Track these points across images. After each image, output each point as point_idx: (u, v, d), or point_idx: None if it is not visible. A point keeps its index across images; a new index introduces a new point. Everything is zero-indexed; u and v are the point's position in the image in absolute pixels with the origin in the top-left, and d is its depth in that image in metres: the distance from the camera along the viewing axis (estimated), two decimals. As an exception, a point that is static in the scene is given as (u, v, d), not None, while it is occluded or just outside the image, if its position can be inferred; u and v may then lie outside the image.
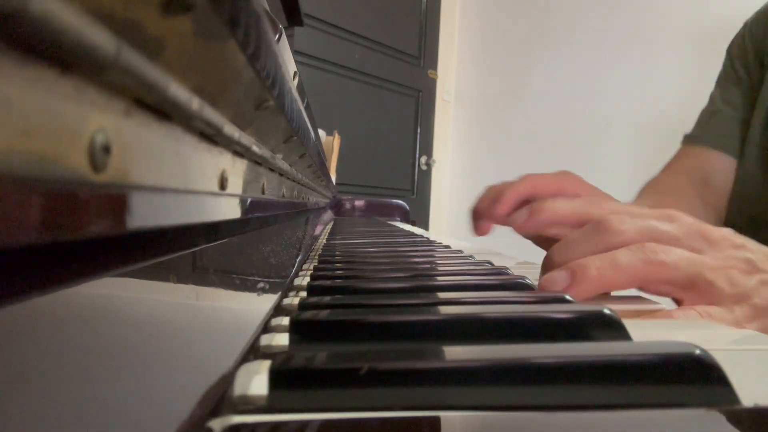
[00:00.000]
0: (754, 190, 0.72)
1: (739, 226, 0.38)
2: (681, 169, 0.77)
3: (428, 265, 0.43)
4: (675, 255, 0.31)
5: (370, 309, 0.25)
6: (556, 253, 0.35)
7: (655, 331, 0.25)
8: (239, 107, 0.20)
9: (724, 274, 0.31)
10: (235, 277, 0.23)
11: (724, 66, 0.79)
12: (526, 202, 0.45)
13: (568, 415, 0.14)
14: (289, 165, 0.39)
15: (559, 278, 0.32)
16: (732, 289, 0.31)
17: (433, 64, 2.63)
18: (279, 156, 0.33)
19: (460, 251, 0.57)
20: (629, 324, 0.21)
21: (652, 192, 0.75)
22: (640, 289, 0.33)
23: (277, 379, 0.15)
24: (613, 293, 0.34)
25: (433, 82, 2.63)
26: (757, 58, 0.73)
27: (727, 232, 0.34)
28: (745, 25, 0.77)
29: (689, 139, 0.79)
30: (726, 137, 0.75)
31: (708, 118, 0.78)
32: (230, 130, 0.19)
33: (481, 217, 0.50)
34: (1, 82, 0.07)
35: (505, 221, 0.46)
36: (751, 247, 0.33)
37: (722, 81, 0.79)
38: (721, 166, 0.75)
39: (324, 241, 0.73)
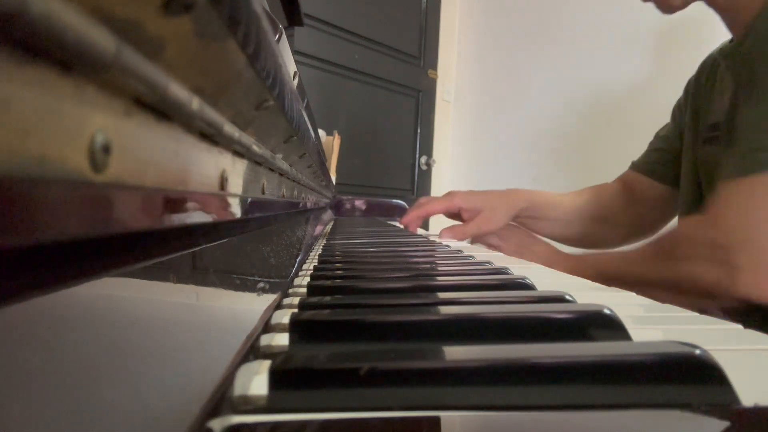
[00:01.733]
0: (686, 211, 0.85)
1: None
2: (618, 184, 0.99)
3: (428, 265, 0.43)
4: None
5: (370, 309, 0.25)
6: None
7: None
8: (239, 107, 0.20)
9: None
10: (235, 277, 0.23)
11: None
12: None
13: (568, 415, 0.14)
14: (289, 165, 0.39)
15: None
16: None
17: (433, 64, 2.62)
18: (279, 156, 0.33)
19: (460, 251, 0.57)
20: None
21: (587, 190, 1.01)
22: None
23: (277, 379, 0.15)
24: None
25: (433, 82, 2.63)
26: (691, 106, 0.89)
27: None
28: (686, 85, 0.93)
29: (631, 165, 0.99)
30: (657, 165, 0.93)
31: (647, 150, 0.98)
32: (230, 130, 0.19)
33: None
34: (1, 82, 0.07)
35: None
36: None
37: (667, 124, 0.96)
38: (650, 191, 0.93)
39: (324, 240, 0.73)
